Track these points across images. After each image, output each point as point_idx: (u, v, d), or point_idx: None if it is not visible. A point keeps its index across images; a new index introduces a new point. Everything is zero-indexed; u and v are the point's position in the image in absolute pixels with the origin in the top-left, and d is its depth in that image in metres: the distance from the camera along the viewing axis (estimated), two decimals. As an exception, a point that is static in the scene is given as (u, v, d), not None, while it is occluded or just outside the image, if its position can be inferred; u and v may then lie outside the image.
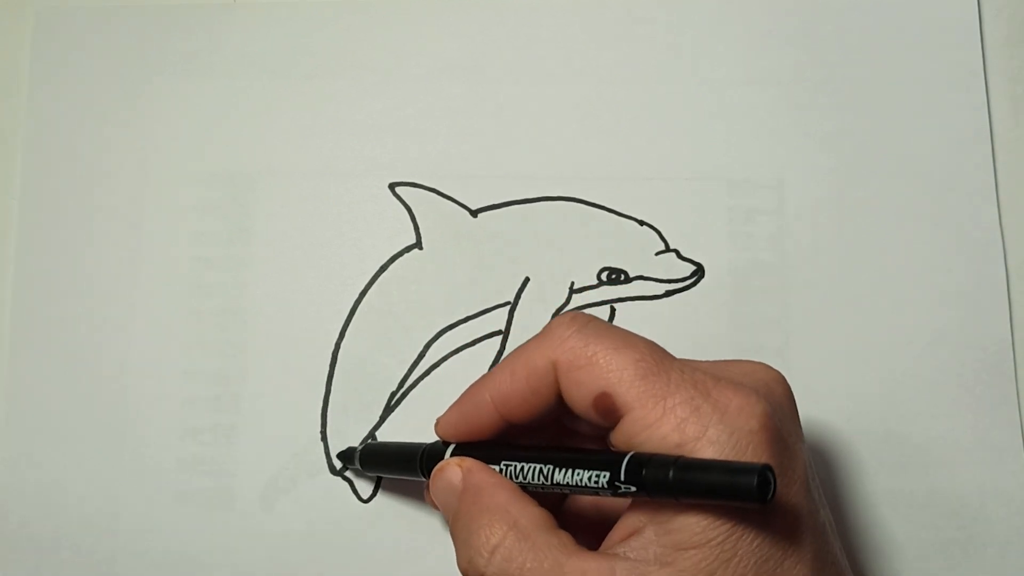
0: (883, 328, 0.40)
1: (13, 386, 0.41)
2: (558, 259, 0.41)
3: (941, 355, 0.40)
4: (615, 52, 0.43)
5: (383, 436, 0.40)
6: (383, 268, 0.41)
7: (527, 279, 0.41)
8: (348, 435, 0.40)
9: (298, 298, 0.41)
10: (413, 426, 0.40)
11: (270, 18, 0.43)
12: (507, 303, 0.41)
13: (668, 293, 0.40)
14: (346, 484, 0.40)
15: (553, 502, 0.34)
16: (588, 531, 0.31)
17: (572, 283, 0.41)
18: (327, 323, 0.41)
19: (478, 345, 0.40)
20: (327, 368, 0.40)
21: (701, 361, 0.31)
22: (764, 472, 0.26)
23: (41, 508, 0.40)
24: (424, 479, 0.35)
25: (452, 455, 0.33)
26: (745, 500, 0.26)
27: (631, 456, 0.28)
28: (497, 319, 0.41)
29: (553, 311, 0.40)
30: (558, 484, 0.30)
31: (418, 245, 0.41)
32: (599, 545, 0.30)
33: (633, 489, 0.28)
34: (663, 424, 0.28)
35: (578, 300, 0.40)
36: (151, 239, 0.42)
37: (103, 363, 0.41)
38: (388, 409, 0.40)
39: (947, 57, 0.42)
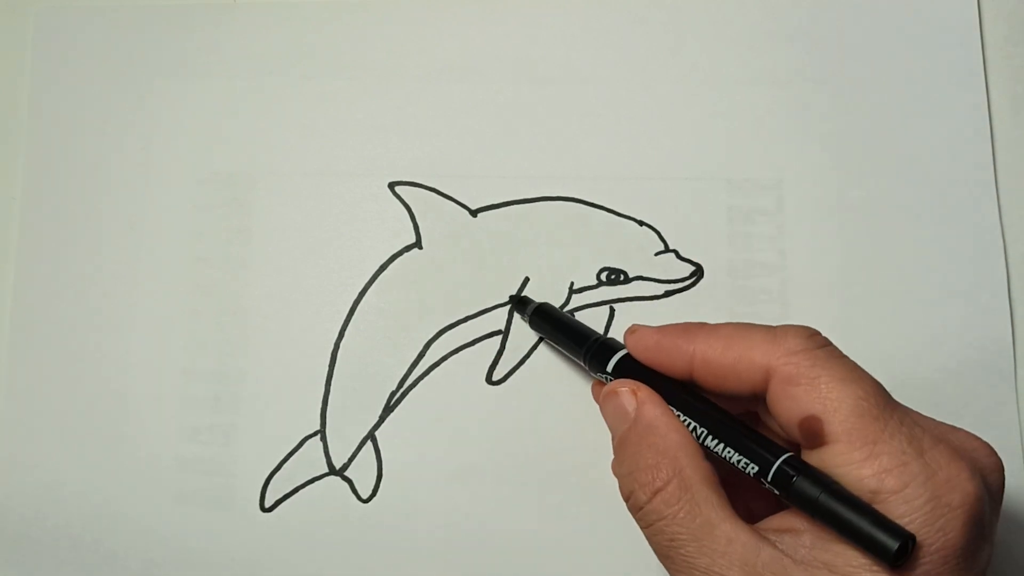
0: (883, 328, 0.40)
1: (13, 385, 0.41)
2: (558, 259, 0.41)
3: (941, 355, 0.39)
4: (615, 52, 0.43)
5: (383, 436, 0.40)
6: (383, 268, 0.41)
7: (527, 279, 0.41)
8: (347, 435, 0.40)
9: (298, 298, 0.41)
10: (413, 425, 0.40)
11: (270, 18, 0.44)
12: (507, 303, 0.41)
13: (667, 293, 0.40)
14: (346, 484, 0.40)
15: None
16: (750, 488, 0.32)
17: (572, 283, 0.41)
18: (327, 323, 0.41)
19: (478, 345, 0.40)
20: (326, 367, 0.40)
21: (926, 417, 0.30)
22: (908, 542, 0.26)
23: (41, 508, 0.40)
24: (581, 363, 0.36)
25: (618, 364, 0.34)
26: (876, 555, 0.26)
27: (785, 459, 0.29)
28: (497, 319, 0.41)
29: (553, 311, 0.40)
30: (708, 448, 0.31)
31: (418, 245, 0.41)
32: (752, 507, 0.31)
33: (776, 492, 0.29)
34: (865, 467, 0.28)
35: (578, 300, 0.40)
36: (151, 239, 0.42)
37: (103, 363, 0.41)
38: (388, 409, 0.40)
39: (947, 57, 0.42)
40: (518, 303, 0.40)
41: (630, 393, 0.33)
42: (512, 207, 0.41)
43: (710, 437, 0.31)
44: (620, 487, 0.32)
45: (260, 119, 0.43)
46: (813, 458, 0.29)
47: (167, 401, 0.40)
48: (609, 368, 0.35)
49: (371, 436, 0.40)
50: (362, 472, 0.40)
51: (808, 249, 0.41)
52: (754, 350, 0.31)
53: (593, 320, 0.40)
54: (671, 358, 0.33)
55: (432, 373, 0.40)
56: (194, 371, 0.41)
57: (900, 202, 0.41)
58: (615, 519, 0.38)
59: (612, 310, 0.40)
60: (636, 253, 0.41)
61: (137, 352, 0.41)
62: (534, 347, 0.40)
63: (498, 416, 0.40)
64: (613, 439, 0.33)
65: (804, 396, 0.29)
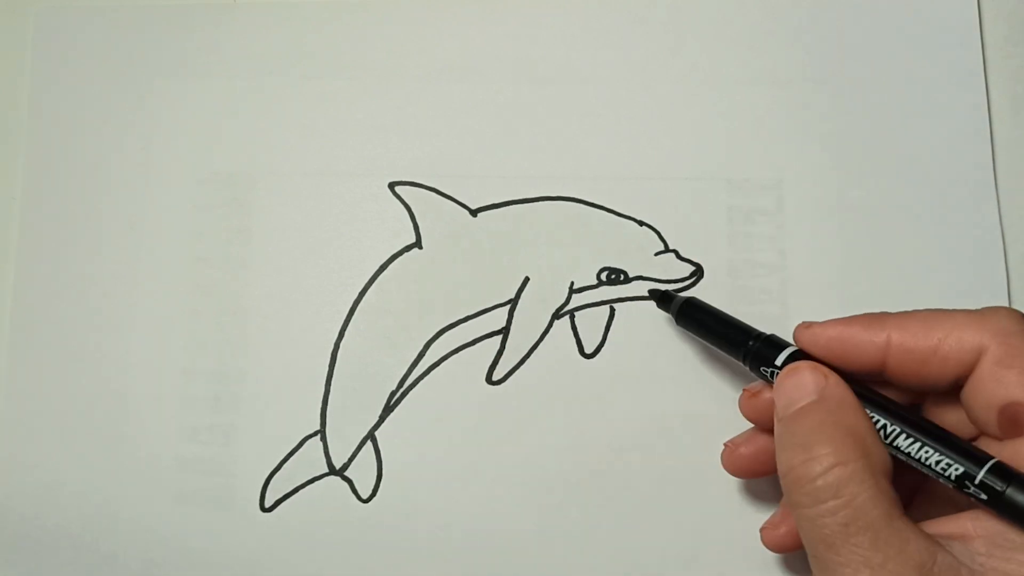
0: (883, 328, 0.40)
1: (12, 385, 0.41)
2: (558, 259, 0.41)
3: (941, 355, 0.39)
4: (615, 52, 0.43)
5: (383, 436, 0.40)
6: (383, 268, 0.41)
7: (527, 279, 0.41)
8: (347, 434, 0.40)
9: (298, 298, 0.41)
10: (413, 425, 0.40)
11: (270, 18, 0.44)
12: (507, 303, 0.41)
13: (668, 293, 0.40)
14: (346, 484, 0.40)
15: None
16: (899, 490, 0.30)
17: (572, 283, 0.41)
18: (327, 322, 0.41)
19: (478, 345, 0.40)
20: (326, 367, 0.40)
21: None
22: None
23: (40, 508, 0.40)
24: (740, 361, 0.34)
25: (788, 360, 0.32)
26: None
27: (996, 462, 0.27)
28: (497, 319, 0.41)
29: (553, 311, 0.40)
30: (898, 448, 0.29)
31: (418, 245, 0.41)
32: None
33: (984, 497, 0.27)
34: None
35: (578, 300, 0.40)
36: (151, 239, 0.42)
37: (102, 363, 0.41)
38: (388, 409, 0.40)
39: (947, 57, 0.42)
40: (660, 297, 0.38)
41: (820, 372, 0.30)
42: (512, 207, 0.41)
43: (903, 436, 0.29)
44: (784, 458, 0.29)
45: (260, 119, 0.43)
46: (1006, 449, 0.27)
47: (167, 401, 0.40)
48: (779, 363, 0.32)
49: (371, 436, 0.40)
50: (362, 472, 0.40)
51: (808, 249, 0.41)
52: (963, 329, 0.29)
53: (593, 320, 0.40)
54: (857, 351, 0.30)
55: (432, 373, 0.40)
56: (194, 371, 0.41)
57: (900, 202, 0.41)
58: (615, 519, 0.39)
59: (612, 310, 0.40)
60: (636, 253, 0.41)
61: (137, 352, 0.41)
62: (534, 347, 0.40)
63: (498, 416, 0.40)
64: (782, 412, 0.30)
65: (1015, 380, 0.27)
